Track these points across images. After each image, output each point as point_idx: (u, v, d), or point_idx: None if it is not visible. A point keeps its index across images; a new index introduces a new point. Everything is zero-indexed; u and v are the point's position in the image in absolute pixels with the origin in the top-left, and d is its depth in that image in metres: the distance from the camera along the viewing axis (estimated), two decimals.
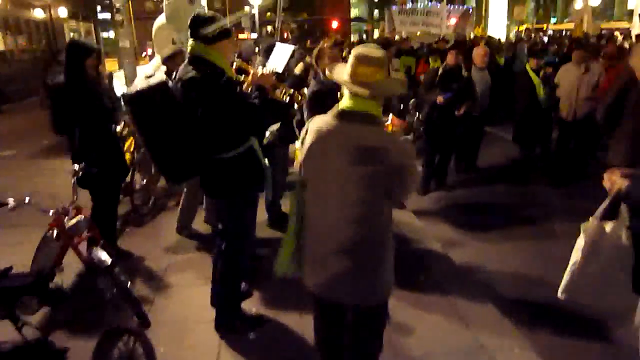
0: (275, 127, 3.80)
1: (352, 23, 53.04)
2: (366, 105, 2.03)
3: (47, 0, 16.73)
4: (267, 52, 4.84)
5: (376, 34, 36.48)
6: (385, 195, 2.06)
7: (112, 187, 4.03)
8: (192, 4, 4.91)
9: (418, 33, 15.65)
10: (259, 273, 3.85)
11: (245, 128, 2.90)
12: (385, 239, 2.14)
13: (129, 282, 3.17)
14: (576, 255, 2.37)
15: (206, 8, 4.99)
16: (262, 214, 4.89)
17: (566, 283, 2.40)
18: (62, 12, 17.78)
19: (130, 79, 5.09)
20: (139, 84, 2.93)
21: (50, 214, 2.92)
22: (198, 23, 2.84)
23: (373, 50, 2.06)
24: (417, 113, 5.40)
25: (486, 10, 31.11)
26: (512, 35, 27.62)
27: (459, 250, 4.66)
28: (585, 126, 5.95)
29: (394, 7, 18.11)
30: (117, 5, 4.88)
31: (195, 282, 3.93)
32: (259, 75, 3.00)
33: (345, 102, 2.08)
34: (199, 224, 4.85)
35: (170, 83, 2.95)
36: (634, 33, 16.49)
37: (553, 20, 45.70)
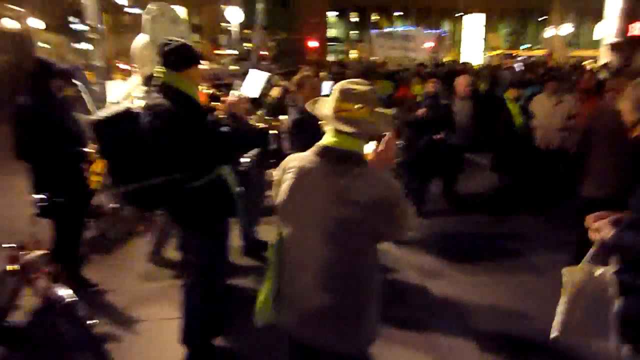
0: (252, 153, 3.70)
1: (328, 43, 53.66)
2: (351, 143, 1.91)
3: (20, 12, 16.33)
4: (245, 75, 4.76)
5: (353, 54, 37.00)
6: (370, 237, 1.93)
7: (76, 216, 3.81)
8: (176, 24, 4.80)
9: (391, 55, 15.87)
10: (234, 306, 3.68)
11: (213, 157, 2.82)
12: (370, 282, 2.00)
13: (92, 321, 2.96)
14: (564, 296, 2.36)
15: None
16: (237, 241, 4.76)
17: (557, 323, 2.34)
18: (35, 23, 17.38)
19: (99, 100, 4.89)
20: (104, 110, 2.91)
21: (5, 246, 2.70)
22: (166, 52, 2.79)
23: (358, 85, 1.94)
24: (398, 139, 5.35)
25: (458, 34, 31.90)
26: (484, 61, 28.32)
27: (438, 282, 4.57)
28: (559, 156, 6.02)
29: (374, 31, 18.55)
30: (90, 22, 4.70)
31: (165, 315, 3.72)
32: (230, 101, 2.94)
33: (327, 139, 1.95)
34: (172, 251, 4.64)
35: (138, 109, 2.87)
36: (600, 62, 17.04)
37: (523, 47, 47.14)
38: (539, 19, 57.16)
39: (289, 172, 1.98)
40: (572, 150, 4.64)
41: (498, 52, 31.01)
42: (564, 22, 28.98)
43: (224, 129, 2.81)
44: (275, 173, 2.07)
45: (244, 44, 34.91)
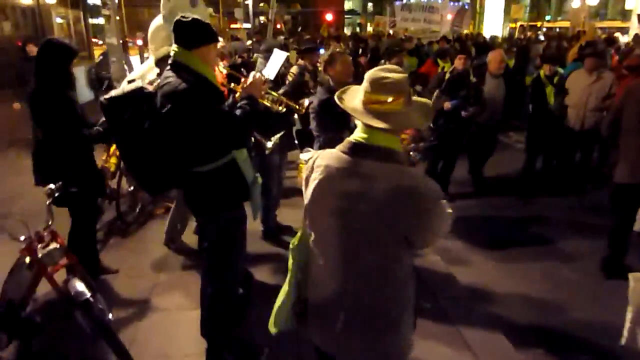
0: (277, 136, 3.54)
1: (345, 16, 52.68)
2: (384, 138, 1.68)
3: None
4: (267, 52, 4.54)
5: (370, 28, 36.13)
6: (405, 242, 1.73)
7: (90, 204, 3.69)
8: (194, 7, 4.59)
9: (412, 29, 15.29)
10: (253, 294, 3.57)
11: (224, 140, 2.66)
12: (404, 294, 1.82)
13: (109, 315, 2.87)
14: (631, 305, 2.26)
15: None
16: (256, 225, 4.63)
17: (625, 330, 2.29)
18: None
19: (118, 79, 4.73)
20: (116, 90, 2.78)
21: (22, 239, 2.60)
22: (179, 27, 2.63)
23: (391, 73, 1.69)
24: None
25: (481, 7, 30.85)
26: (505, 33, 27.40)
27: (464, 269, 4.41)
28: (593, 137, 5.72)
29: (397, 2, 17.50)
30: None
31: (183, 305, 3.64)
32: (248, 82, 2.76)
33: (358, 134, 1.73)
34: (190, 236, 4.54)
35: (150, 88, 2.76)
36: (631, 33, 16.30)
37: (547, 18, 45.70)
38: None
39: (316, 172, 1.79)
40: (604, 133, 4.39)
41: (521, 23, 30.05)
42: None
43: (238, 111, 2.65)
44: (304, 170, 1.89)
45: (260, 18, 34.49)
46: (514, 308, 3.86)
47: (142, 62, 7.30)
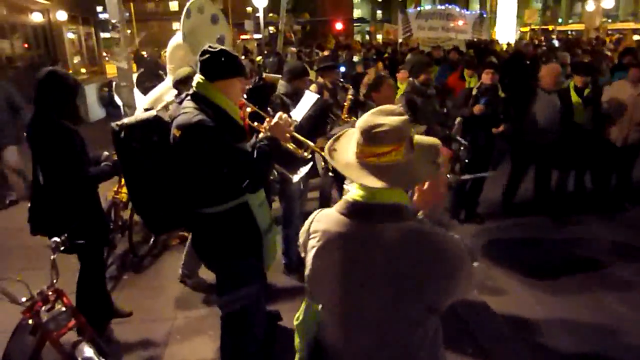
0: (303, 170, 3.30)
1: (354, 24, 52.62)
2: (388, 193, 1.41)
3: (46, 4, 16.15)
4: (291, 74, 4.26)
5: (379, 36, 35.92)
6: (428, 311, 1.43)
7: (96, 252, 3.38)
8: (215, 24, 4.36)
9: (431, 36, 14.77)
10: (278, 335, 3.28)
11: (235, 180, 2.45)
12: None
13: None
14: None
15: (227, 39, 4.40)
16: (278, 257, 4.33)
17: None
18: (61, 15, 17.19)
19: (129, 104, 4.50)
20: (129, 117, 2.67)
21: (24, 300, 2.32)
22: (205, 58, 2.45)
23: (386, 118, 1.40)
24: (462, 140, 4.64)
25: (493, 12, 30.52)
26: (517, 36, 27.01)
27: (498, 299, 4.07)
28: (635, 152, 5.37)
29: (411, 10, 16.82)
30: (114, 21, 4.27)
31: (203, 354, 3.34)
32: (272, 123, 2.52)
33: (356, 191, 1.46)
34: (208, 270, 4.25)
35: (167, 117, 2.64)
36: None
37: (559, 21, 45.24)
38: None
39: (313, 238, 1.52)
40: None
41: (533, 26, 29.58)
42: None
43: (255, 152, 2.42)
44: (300, 234, 1.61)
45: (269, 28, 34.49)
46: (558, 341, 3.52)
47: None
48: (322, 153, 2.85)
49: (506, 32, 25.42)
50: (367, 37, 40.38)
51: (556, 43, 19.65)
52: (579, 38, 21.91)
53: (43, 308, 2.40)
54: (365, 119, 1.43)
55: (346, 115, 4.36)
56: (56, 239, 2.46)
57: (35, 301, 2.37)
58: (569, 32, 37.10)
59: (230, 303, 2.70)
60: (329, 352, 1.57)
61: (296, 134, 2.66)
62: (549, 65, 5.72)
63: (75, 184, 3.02)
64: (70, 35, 18.86)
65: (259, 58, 15.45)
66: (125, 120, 2.64)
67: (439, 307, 1.44)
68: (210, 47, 2.44)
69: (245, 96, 2.71)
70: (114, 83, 11.33)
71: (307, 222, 1.59)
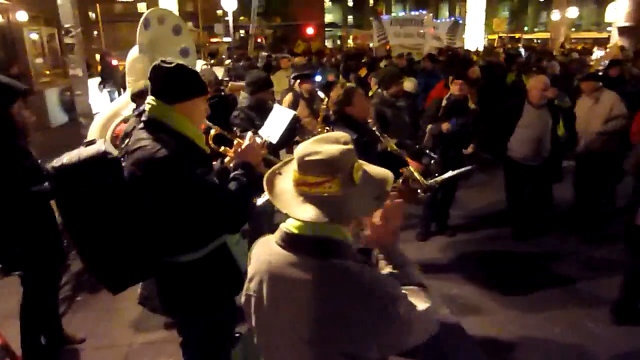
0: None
1: (326, 29, 52.72)
2: (321, 226, 1.33)
3: (5, 4, 15.50)
4: (253, 87, 4.07)
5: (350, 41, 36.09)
6: (374, 349, 1.32)
7: (48, 271, 3.11)
8: (178, 35, 4.10)
9: (406, 44, 14.78)
10: None
11: (214, 223, 2.09)
12: None
13: None
14: None
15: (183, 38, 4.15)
16: None
17: None
18: (21, 16, 16.53)
19: (85, 114, 4.23)
20: (69, 154, 2.09)
21: None
22: (158, 76, 2.09)
23: (324, 146, 1.32)
24: (432, 153, 4.48)
25: (462, 20, 31.00)
26: (485, 44, 27.47)
27: (474, 319, 3.98)
28: (597, 163, 5.39)
29: (385, 17, 16.95)
30: (67, 26, 4.01)
31: None
32: (244, 147, 2.23)
33: (290, 220, 1.38)
34: None
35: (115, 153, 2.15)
36: (610, 45, 16.30)
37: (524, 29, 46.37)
38: (540, 0, 56.38)
39: (251, 268, 1.46)
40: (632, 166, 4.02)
41: (500, 34, 30.15)
42: (569, 3, 28.13)
43: (233, 184, 2.10)
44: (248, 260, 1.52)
45: (240, 31, 34.18)
46: None
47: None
48: None
49: (474, 39, 25.79)
50: (339, 42, 40.51)
51: (522, 51, 19.98)
52: (545, 46, 22.38)
53: None
54: (305, 144, 1.35)
55: (321, 125, 4.22)
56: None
57: None
58: (535, 40, 38.08)
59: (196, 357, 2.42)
60: None
61: (271, 156, 2.44)
62: (535, 78, 5.34)
63: (13, 204, 2.73)
64: (32, 37, 18.18)
65: (228, 61, 15.15)
66: (65, 159, 2.08)
67: (363, 357, 1.32)
68: (163, 62, 2.08)
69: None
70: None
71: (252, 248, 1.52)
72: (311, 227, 1.33)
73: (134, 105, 3.86)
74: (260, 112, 3.85)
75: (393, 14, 18.37)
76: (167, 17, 4.03)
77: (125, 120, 4.04)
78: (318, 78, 6.45)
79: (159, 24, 3.91)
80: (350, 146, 1.34)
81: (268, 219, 4.15)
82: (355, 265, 1.33)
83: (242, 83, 7.41)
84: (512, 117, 5.05)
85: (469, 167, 4.04)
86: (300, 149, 1.33)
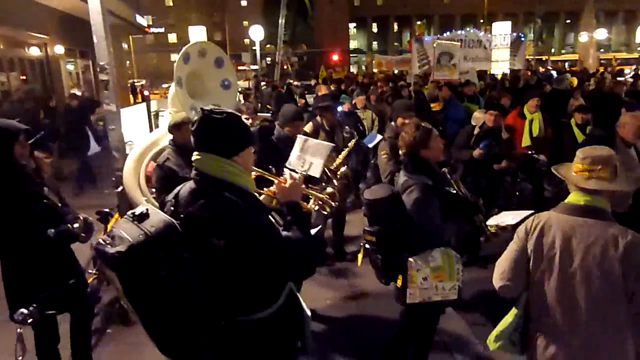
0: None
1: (351, 55, 53.29)
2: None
3: (44, 38, 16.21)
4: (285, 119, 4.10)
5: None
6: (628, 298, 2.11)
7: (80, 318, 3.10)
8: (220, 68, 4.03)
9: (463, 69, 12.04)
10: None
11: (283, 274, 2.02)
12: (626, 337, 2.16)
13: None
14: None
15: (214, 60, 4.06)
16: None
17: None
18: (59, 49, 17.25)
19: (118, 148, 4.31)
20: (124, 229, 1.89)
21: None
22: (208, 127, 1.95)
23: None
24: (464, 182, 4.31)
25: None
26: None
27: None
28: None
29: (427, 39, 14.18)
30: (102, 63, 4.13)
31: None
32: (288, 186, 2.12)
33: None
34: None
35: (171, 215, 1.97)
36: None
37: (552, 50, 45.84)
38: (566, 21, 55.88)
39: (546, 235, 2.25)
40: None
41: (527, 57, 29.82)
42: (597, 24, 27.84)
43: (291, 232, 2.00)
44: (516, 239, 2.39)
45: (267, 59, 34.84)
46: None
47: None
48: (326, 197, 2.61)
49: (500, 63, 25.64)
50: (364, 68, 40.85)
51: (554, 73, 19.56)
52: (573, 68, 22.06)
53: None
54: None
55: (341, 160, 4.11)
56: (23, 310, 2.22)
57: None
58: (562, 62, 37.56)
59: None
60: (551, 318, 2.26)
61: (309, 190, 2.37)
62: (628, 114, 4.52)
63: (33, 251, 2.64)
64: (68, 67, 18.92)
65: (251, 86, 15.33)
66: (131, 239, 1.83)
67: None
68: (212, 112, 1.94)
69: None
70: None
71: (518, 230, 2.42)
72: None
73: (170, 136, 3.90)
74: (286, 143, 3.87)
75: (446, 34, 14.84)
76: (209, 49, 3.99)
77: (153, 158, 4.07)
78: (340, 108, 6.46)
79: (200, 57, 3.90)
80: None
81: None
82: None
83: (266, 115, 7.48)
84: None
85: (530, 212, 3.89)
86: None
